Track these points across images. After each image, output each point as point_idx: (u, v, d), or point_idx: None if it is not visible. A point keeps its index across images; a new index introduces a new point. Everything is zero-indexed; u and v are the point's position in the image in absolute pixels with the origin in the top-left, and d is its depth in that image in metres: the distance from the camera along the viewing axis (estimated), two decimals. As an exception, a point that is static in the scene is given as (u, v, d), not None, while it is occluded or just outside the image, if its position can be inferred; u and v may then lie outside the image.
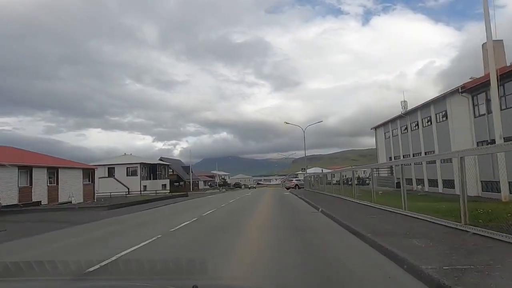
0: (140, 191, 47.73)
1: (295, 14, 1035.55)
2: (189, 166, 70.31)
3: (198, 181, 75.37)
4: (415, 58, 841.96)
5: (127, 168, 52.75)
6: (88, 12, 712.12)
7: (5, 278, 4.44)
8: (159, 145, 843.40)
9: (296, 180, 54.00)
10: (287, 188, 47.69)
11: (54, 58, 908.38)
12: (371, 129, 43.34)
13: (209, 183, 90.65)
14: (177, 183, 63.58)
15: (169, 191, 46.44)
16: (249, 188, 75.64)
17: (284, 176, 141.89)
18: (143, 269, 4.95)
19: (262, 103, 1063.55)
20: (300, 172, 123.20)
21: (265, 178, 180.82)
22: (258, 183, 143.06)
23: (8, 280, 4.32)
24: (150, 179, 55.19)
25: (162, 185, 56.48)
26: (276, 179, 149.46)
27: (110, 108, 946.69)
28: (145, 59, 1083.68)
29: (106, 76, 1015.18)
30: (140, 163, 53.34)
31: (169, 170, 63.92)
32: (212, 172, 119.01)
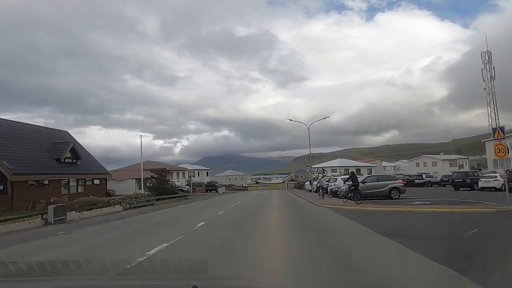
0: None
1: (297, 8, 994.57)
2: (72, 144, 30.30)
3: (123, 179, 33.44)
4: (421, 54, 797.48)
5: None
6: (86, 2, 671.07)
7: None
8: (160, 143, 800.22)
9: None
10: None
11: (51, 51, 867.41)
12: None
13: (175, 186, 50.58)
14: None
15: None
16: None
17: (286, 175, 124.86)
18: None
19: (266, 100, 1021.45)
20: (315, 166, 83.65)
21: (265, 176, 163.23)
22: (257, 182, 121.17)
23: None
24: None
25: None
26: (276, 178, 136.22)
27: (110, 104, 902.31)
28: (146, 53, 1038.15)
29: (106, 71, 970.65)
30: None
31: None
32: (181, 166, 79.71)
